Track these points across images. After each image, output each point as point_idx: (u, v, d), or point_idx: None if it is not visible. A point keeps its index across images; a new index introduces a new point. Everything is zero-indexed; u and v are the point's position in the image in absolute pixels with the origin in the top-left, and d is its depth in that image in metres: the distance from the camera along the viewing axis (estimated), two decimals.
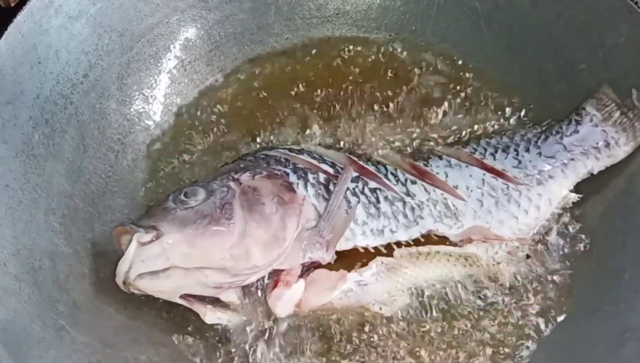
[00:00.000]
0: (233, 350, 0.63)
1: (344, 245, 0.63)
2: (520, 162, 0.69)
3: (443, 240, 0.66)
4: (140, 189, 0.74)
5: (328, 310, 0.64)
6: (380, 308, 0.64)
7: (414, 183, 0.68)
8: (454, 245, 0.66)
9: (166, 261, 0.58)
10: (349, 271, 0.63)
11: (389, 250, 0.64)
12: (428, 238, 0.65)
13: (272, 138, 0.76)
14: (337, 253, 0.63)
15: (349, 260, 0.64)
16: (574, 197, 0.69)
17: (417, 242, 0.65)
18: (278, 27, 0.82)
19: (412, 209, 0.66)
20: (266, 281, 0.62)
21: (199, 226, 0.59)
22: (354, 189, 0.66)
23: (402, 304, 0.65)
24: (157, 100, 0.78)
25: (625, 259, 0.64)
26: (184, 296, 0.61)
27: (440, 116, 0.77)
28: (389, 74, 0.80)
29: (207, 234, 0.59)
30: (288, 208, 0.62)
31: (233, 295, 0.63)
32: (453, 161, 0.70)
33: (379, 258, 0.64)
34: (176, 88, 0.79)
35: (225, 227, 0.59)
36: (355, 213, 0.64)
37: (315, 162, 0.67)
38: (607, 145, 0.69)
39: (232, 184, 0.63)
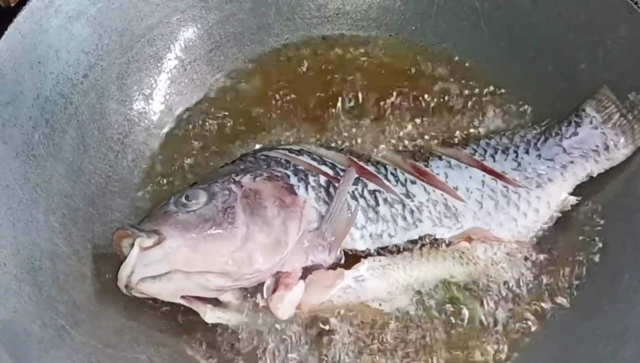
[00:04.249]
0: (233, 350, 0.63)
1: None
2: (519, 164, 0.69)
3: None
4: (140, 189, 0.73)
5: (328, 309, 0.64)
6: (380, 305, 0.64)
7: (413, 183, 0.68)
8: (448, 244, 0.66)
9: (168, 265, 0.58)
10: (346, 269, 0.63)
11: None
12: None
13: (271, 138, 0.76)
14: None
15: (345, 258, 0.64)
16: (573, 200, 0.69)
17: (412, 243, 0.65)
18: (278, 27, 0.82)
19: (412, 212, 0.66)
20: (267, 282, 0.62)
21: (202, 230, 0.59)
22: (353, 192, 0.65)
23: (402, 302, 0.65)
24: (157, 100, 0.78)
25: (625, 259, 0.64)
26: (185, 296, 0.61)
27: (440, 117, 0.77)
28: (389, 74, 0.80)
29: (209, 239, 0.59)
30: (290, 211, 0.62)
31: (232, 295, 0.63)
32: (453, 162, 0.70)
33: (370, 257, 0.64)
34: (176, 88, 0.79)
35: (227, 232, 0.59)
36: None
37: (315, 164, 0.67)
38: (607, 148, 0.69)
39: (233, 186, 0.62)
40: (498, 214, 0.67)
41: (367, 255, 0.64)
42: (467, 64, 0.81)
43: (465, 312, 0.65)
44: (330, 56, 0.82)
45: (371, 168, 0.68)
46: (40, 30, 0.67)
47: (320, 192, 0.65)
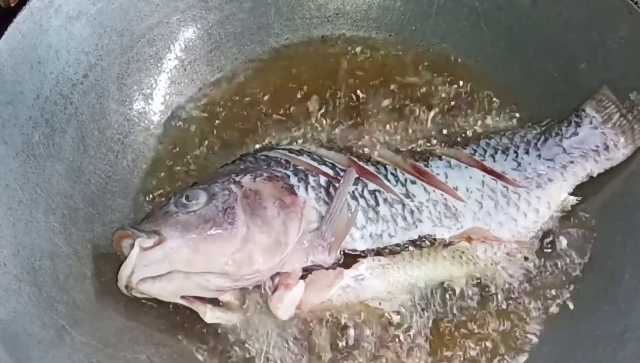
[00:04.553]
0: (233, 350, 0.63)
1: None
2: (519, 164, 0.69)
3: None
4: (141, 189, 0.74)
5: (328, 308, 0.64)
6: (380, 304, 0.64)
7: (413, 183, 0.68)
8: (448, 244, 0.66)
9: (168, 265, 0.58)
10: (345, 268, 0.63)
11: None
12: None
13: (271, 138, 0.76)
14: None
15: (344, 258, 0.64)
16: (573, 200, 0.69)
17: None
18: (278, 27, 0.82)
19: (411, 212, 0.66)
20: (267, 283, 0.62)
21: (202, 231, 0.59)
22: (353, 192, 0.66)
23: (402, 301, 0.65)
24: (157, 100, 0.78)
25: (625, 259, 0.65)
26: (185, 297, 0.61)
27: (440, 116, 0.77)
28: (389, 74, 0.80)
29: (209, 240, 0.59)
30: (290, 212, 0.62)
31: (232, 295, 0.63)
32: (453, 162, 0.70)
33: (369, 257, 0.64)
34: (176, 88, 0.79)
35: (228, 232, 0.59)
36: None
37: (315, 164, 0.67)
38: (607, 148, 0.69)
39: (233, 187, 0.62)
40: (498, 215, 0.67)
41: (367, 254, 0.64)
42: (467, 64, 0.81)
43: (464, 312, 0.65)
44: (330, 56, 0.82)
45: (371, 168, 0.68)
46: (40, 30, 0.67)
47: (320, 192, 0.65)
